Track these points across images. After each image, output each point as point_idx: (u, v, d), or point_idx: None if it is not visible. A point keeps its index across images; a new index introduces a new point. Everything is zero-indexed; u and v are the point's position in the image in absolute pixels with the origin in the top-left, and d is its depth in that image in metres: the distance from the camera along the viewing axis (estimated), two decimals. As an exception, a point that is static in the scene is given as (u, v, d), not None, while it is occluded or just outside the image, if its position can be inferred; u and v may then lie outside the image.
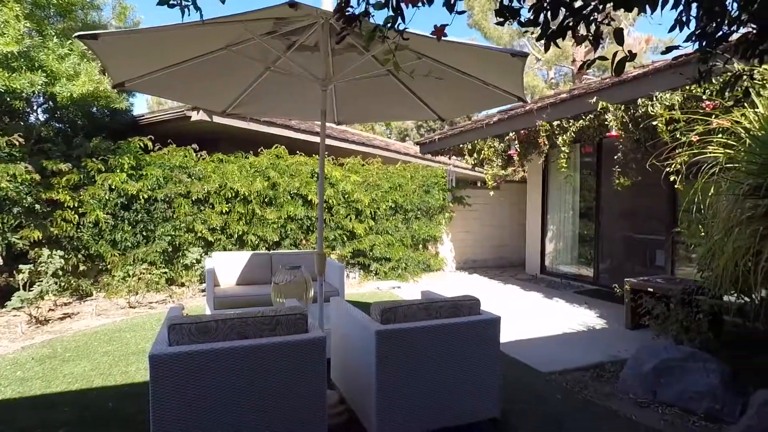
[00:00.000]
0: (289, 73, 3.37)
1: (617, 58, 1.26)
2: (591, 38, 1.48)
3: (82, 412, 3.06)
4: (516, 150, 7.15)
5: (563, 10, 1.23)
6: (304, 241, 8.12)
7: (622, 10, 1.24)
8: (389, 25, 1.27)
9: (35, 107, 7.71)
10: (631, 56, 1.25)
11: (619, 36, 1.24)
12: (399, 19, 1.27)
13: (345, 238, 8.46)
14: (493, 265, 10.62)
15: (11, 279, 5.97)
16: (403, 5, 1.19)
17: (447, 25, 1.27)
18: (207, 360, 2.12)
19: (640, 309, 4.66)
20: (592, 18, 1.24)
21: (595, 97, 5.38)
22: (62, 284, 6.28)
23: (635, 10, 1.43)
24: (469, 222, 10.40)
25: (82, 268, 6.71)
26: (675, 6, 1.28)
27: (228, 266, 5.57)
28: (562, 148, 6.07)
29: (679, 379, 3.34)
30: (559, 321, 5.62)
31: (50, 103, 7.26)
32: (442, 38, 1.49)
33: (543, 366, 4.08)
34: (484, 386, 2.76)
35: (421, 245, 9.48)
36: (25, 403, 3.21)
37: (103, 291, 6.79)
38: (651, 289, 4.84)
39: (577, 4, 1.22)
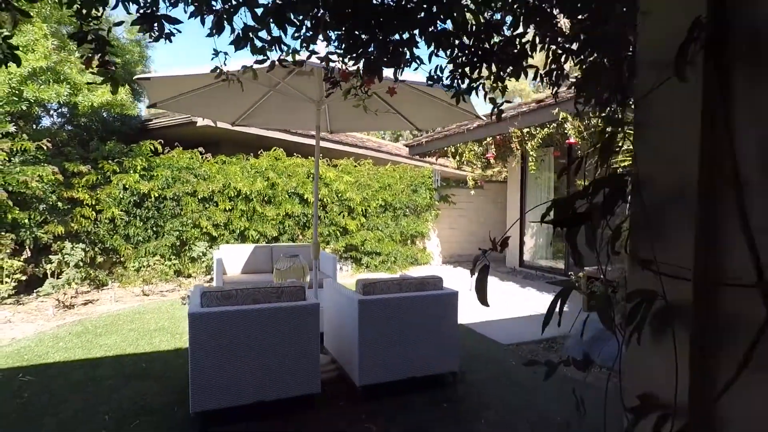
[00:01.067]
0: (288, 94, 4.09)
1: (494, 112, 2.00)
2: (500, 89, 2.22)
3: (122, 370, 3.77)
4: (492, 153, 7.89)
5: (467, 78, 1.94)
6: (300, 236, 8.83)
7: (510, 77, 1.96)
8: (358, 86, 1.99)
9: (51, 112, 8.38)
10: (500, 112, 1.99)
11: (493, 102, 1.97)
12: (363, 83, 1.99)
13: (338, 234, 9.18)
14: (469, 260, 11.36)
15: (36, 270, 6.66)
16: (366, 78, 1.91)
17: (395, 87, 1.99)
18: (229, 318, 2.84)
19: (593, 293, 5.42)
20: (487, 81, 1.96)
21: (557, 108, 6.12)
22: (82, 274, 6.96)
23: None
24: (455, 219, 11.14)
25: (99, 260, 7.40)
26: (547, 75, 2.00)
27: (233, 257, 6.28)
28: (531, 153, 6.82)
29: (606, 345, 4.09)
30: (528, 306, 6.37)
31: (64, 109, 7.93)
32: (399, 81, 2.22)
33: (505, 339, 4.82)
34: (445, 345, 3.49)
35: (409, 241, 10.22)
36: (73, 365, 3.92)
37: (117, 281, 7.47)
38: (602, 276, 5.59)
39: (475, 76, 1.94)
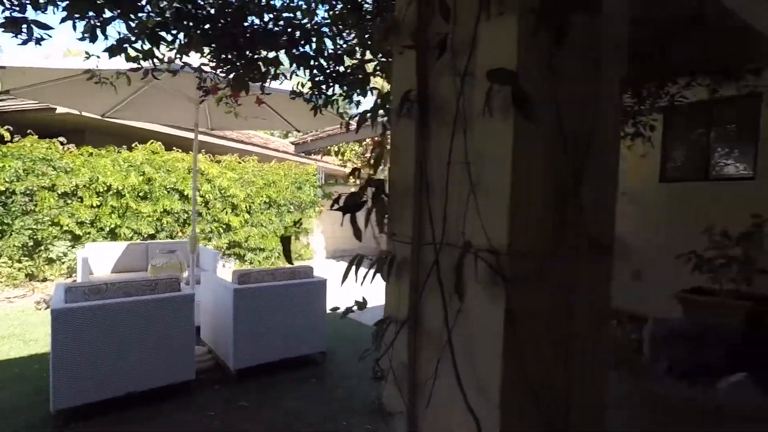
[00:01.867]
0: (165, 90, 4.10)
1: (343, 123, 2.44)
2: (355, 103, 2.66)
3: (-35, 378, 3.47)
4: (371, 153, 8.49)
5: (324, 95, 2.35)
6: (180, 234, 8.51)
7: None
8: (229, 95, 2.27)
9: None
10: (347, 124, 2.44)
11: (341, 116, 2.41)
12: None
13: (221, 231, 9.04)
14: (361, 253, 11.98)
15: None
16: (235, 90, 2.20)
17: (263, 99, 2.30)
18: (98, 312, 2.87)
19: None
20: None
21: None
22: None
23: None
24: (339, 215, 11.51)
25: (-76, 262, 6.37)
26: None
27: (102, 256, 5.92)
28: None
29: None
30: (400, 294, 7.05)
31: None
32: (266, 94, 2.55)
33: (372, 322, 5.36)
34: (315, 329, 3.87)
35: (293, 237, 10.42)
36: None
37: (-50, 286, 6.50)
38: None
39: (330, 93, 2.35)
